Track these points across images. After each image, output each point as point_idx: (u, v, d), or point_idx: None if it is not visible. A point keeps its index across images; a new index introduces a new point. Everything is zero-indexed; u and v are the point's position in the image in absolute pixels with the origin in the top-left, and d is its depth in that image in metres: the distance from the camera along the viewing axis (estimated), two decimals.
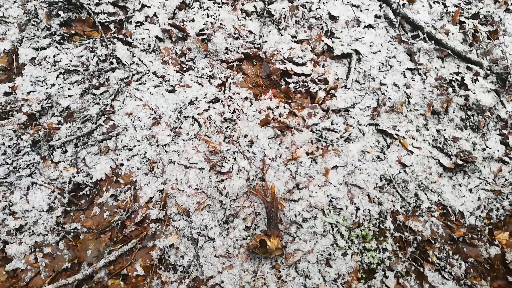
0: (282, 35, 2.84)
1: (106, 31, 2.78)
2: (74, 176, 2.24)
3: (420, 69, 2.75)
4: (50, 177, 2.23)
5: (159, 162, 2.34)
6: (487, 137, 2.52)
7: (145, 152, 2.35)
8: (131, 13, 2.83)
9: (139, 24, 2.81)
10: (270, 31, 2.88)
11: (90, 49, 2.68)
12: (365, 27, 2.93)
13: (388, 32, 2.93)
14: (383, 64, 2.77)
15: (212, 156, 2.37)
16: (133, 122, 2.44)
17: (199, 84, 2.64)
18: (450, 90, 2.64)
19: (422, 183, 2.33)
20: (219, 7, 2.92)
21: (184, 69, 2.71)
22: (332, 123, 2.54)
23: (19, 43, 2.64)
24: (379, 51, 2.83)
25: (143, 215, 2.18)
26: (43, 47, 2.64)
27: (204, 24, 2.83)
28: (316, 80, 2.70)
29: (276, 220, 2.12)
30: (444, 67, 2.76)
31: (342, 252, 2.10)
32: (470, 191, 2.33)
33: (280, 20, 2.90)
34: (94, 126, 2.40)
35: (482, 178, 2.37)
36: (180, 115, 2.48)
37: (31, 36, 2.66)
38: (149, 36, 2.76)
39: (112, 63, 2.65)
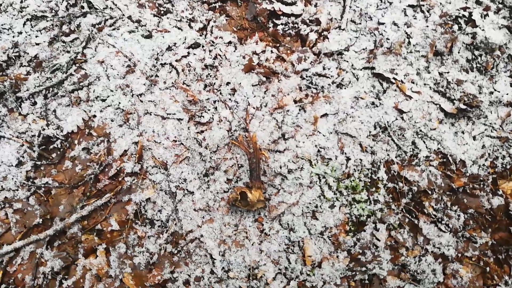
0: None
1: None
2: (44, 129, 2.12)
3: (423, 5, 2.49)
4: (18, 130, 2.11)
5: (134, 113, 2.19)
6: (496, 79, 2.30)
7: (119, 103, 2.21)
8: None
9: None
10: None
11: None
12: None
13: None
14: (381, 1, 2.52)
15: (191, 106, 2.21)
16: (106, 71, 2.28)
17: (178, 28, 2.44)
18: (455, 27, 2.39)
19: (420, 131, 2.15)
20: None
21: (162, 12, 2.51)
22: (323, 68, 2.34)
23: None
24: None
25: (118, 168, 2.07)
26: None
27: None
28: (307, 21, 2.47)
29: (258, 172, 1.98)
30: (450, 2, 2.49)
31: (330, 204, 1.97)
32: (474, 138, 2.14)
33: None
34: (65, 76, 2.25)
35: (488, 124, 2.18)
36: (156, 63, 2.31)
37: None
38: None
39: (83, 7, 2.45)
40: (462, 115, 2.19)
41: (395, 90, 2.27)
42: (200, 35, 2.43)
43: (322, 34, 2.43)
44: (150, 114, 2.19)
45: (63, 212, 1.99)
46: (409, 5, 2.50)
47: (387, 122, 2.17)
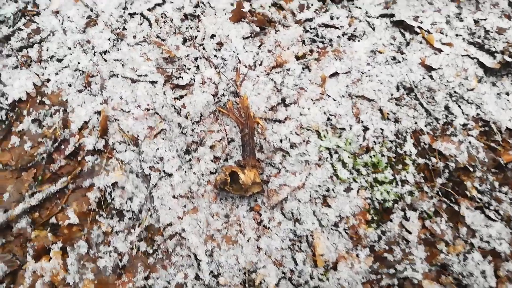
0: None
1: None
2: None
3: None
4: None
5: (97, 75, 1.55)
6: None
7: (78, 63, 1.55)
8: None
9: None
10: None
11: None
12: None
13: None
14: None
15: (167, 65, 1.56)
16: (62, 24, 1.61)
17: None
18: None
19: (454, 92, 1.52)
20: None
21: None
22: (331, 17, 1.67)
23: None
24: None
25: (76, 145, 1.45)
26: None
27: None
28: None
29: (252, 146, 1.36)
30: None
31: (345, 187, 1.37)
32: None
33: None
34: (11, 30, 1.58)
35: None
36: (124, 12, 1.63)
37: None
38: None
39: None
40: (506, 72, 1.55)
41: (421, 42, 1.62)
42: None
43: None
44: (117, 77, 1.55)
45: (8, 202, 1.39)
46: None
47: (413, 81, 1.53)
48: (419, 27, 1.63)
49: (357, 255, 1.26)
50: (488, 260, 1.23)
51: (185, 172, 1.42)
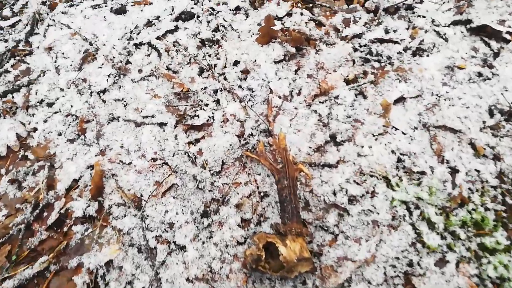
0: None
1: None
2: None
3: None
4: None
5: (93, 120, 1.31)
6: None
7: (71, 106, 1.33)
8: None
9: None
10: None
11: None
12: None
13: None
14: None
15: (179, 102, 1.30)
16: (55, 61, 1.42)
17: None
18: None
19: None
20: None
21: None
22: (386, 31, 1.38)
23: None
24: None
25: (62, 211, 1.17)
26: None
27: None
28: None
29: (295, 203, 1.02)
30: None
31: (437, 259, 0.98)
32: None
33: None
34: None
35: None
36: (128, 43, 1.42)
37: None
38: None
39: None
40: None
41: None
42: (195, 3, 1.53)
43: None
44: (117, 120, 1.29)
45: None
46: None
47: (511, 103, 1.17)
48: (508, 33, 1.28)
49: None
50: None
51: (203, 243, 1.09)
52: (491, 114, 1.18)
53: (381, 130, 1.18)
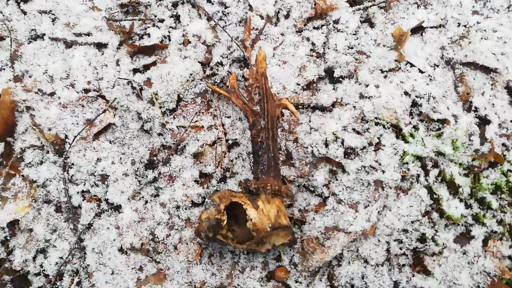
0: None
1: None
2: None
3: None
4: None
5: (8, 36, 1.01)
6: None
7: None
8: None
9: None
10: None
11: None
12: None
13: None
14: None
15: (125, 16, 1.02)
16: None
17: None
18: None
19: None
20: None
21: None
22: None
23: None
24: None
25: None
26: None
27: None
28: None
29: (274, 152, 0.77)
30: None
31: (457, 234, 0.77)
32: None
33: None
34: None
35: None
36: None
37: None
38: None
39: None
40: None
41: None
42: None
43: None
44: (42, 39, 1.01)
45: None
46: None
47: None
48: None
49: None
50: None
51: (146, 202, 0.85)
52: None
53: (392, 66, 0.94)
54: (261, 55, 0.79)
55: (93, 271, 0.81)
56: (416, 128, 0.87)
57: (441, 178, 0.81)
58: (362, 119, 0.89)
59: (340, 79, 0.93)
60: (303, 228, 0.81)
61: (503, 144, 0.86)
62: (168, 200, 0.84)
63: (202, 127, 0.91)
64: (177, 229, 0.82)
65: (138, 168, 0.87)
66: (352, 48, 0.97)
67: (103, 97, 0.94)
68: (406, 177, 0.83)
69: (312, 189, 0.84)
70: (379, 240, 0.78)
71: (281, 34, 1.00)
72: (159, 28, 0.98)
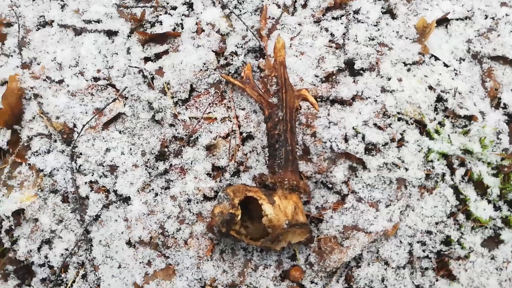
0: None
1: None
2: None
3: None
4: None
5: (16, 23, 0.99)
6: None
7: None
8: None
9: None
10: None
11: None
12: None
13: None
14: None
15: (136, 3, 0.99)
16: None
17: None
18: None
19: None
20: None
21: None
22: None
23: None
24: None
25: None
26: None
27: None
28: None
29: (292, 145, 0.74)
30: None
31: (485, 237, 0.72)
32: None
33: None
34: None
35: None
36: None
37: None
38: None
39: None
40: None
41: None
42: None
43: None
44: (51, 26, 0.98)
45: None
46: None
47: None
48: None
49: None
50: None
51: (156, 195, 0.81)
52: None
53: (416, 58, 0.90)
54: (280, 43, 0.75)
55: (100, 264, 0.78)
56: (441, 124, 0.82)
57: (468, 178, 0.77)
58: (384, 114, 0.85)
59: (361, 71, 0.89)
60: (320, 226, 0.77)
61: None
62: (179, 193, 0.81)
63: (215, 118, 0.87)
64: (187, 224, 0.78)
65: (148, 159, 0.84)
66: (373, 39, 0.93)
67: (113, 86, 0.91)
68: (431, 175, 0.78)
69: (330, 186, 0.80)
70: (401, 242, 0.74)
71: (298, 24, 0.96)
72: (171, 15, 0.95)
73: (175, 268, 0.77)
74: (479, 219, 0.73)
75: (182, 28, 0.94)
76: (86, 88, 0.90)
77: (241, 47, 0.92)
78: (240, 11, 0.96)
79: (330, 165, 0.81)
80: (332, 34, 0.94)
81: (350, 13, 0.95)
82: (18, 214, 0.83)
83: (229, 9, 0.94)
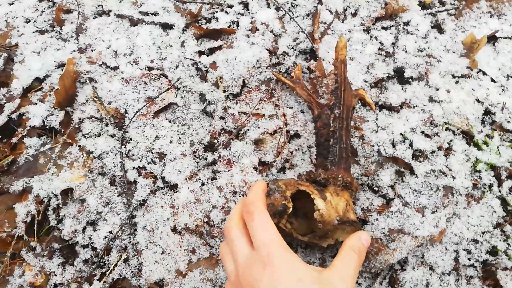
0: None
1: None
2: None
3: None
4: None
5: (75, 10, 1.02)
6: None
7: None
8: None
9: None
10: None
11: None
12: None
13: None
14: None
15: None
16: None
17: None
18: None
19: None
20: None
21: None
22: None
23: None
24: None
25: (14, 115, 0.90)
26: None
27: None
28: None
29: (347, 143, 0.75)
30: None
31: None
32: None
33: None
34: None
35: None
36: None
37: None
38: None
39: None
40: None
41: None
42: None
43: None
44: (108, 15, 1.02)
45: None
46: None
47: None
48: None
49: None
50: None
51: (203, 184, 0.82)
52: None
53: (464, 72, 0.91)
54: (342, 42, 0.77)
55: (143, 249, 0.78)
56: (489, 136, 0.83)
57: None
58: (431, 123, 0.86)
59: (410, 80, 0.90)
60: (365, 228, 0.78)
61: None
62: (225, 184, 0.82)
63: (263, 115, 0.89)
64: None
65: (197, 149, 0.85)
66: (422, 51, 0.95)
67: (165, 76, 0.93)
68: (478, 185, 0.79)
69: (376, 189, 0.80)
70: (446, 248, 0.74)
71: (348, 31, 0.98)
72: (227, 13, 0.98)
73: (218, 258, 0.78)
74: None
75: (238, 25, 0.96)
76: (140, 77, 0.92)
77: (292, 48, 0.95)
78: (293, 13, 0.99)
79: (377, 168, 0.82)
80: (381, 43, 0.96)
81: (400, 24, 0.98)
82: (66, 194, 0.84)
83: (284, 10, 0.96)
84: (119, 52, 0.96)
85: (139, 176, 0.84)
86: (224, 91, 0.90)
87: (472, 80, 0.91)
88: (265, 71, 0.92)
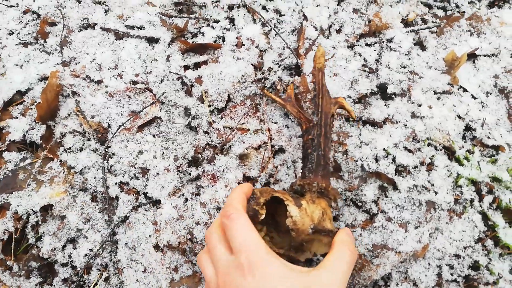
0: None
1: None
2: None
3: None
4: None
5: (60, 23, 1.01)
6: None
7: (34, 0, 1.03)
8: None
9: None
10: None
11: None
12: None
13: None
14: None
15: (179, 14, 1.02)
16: None
17: None
18: None
19: None
20: None
21: None
22: None
23: None
24: None
25: None
26: None
27: None
28: None
29: (325, 150, 0.74)
30: None
31: None
32: None
33: None
34: None
35: None
36: None
37: None
38: None
39: None
40: None
41: None
42: None
43: None
44: (93, 28, 1.01)
45: None
46: None
47: None
48: None
49: None
50: None
51: (186, 200, 0.81)
52: None
53: (445, 89, 0.93)
54: (320, 51, 0.78)
55: (124, 267, 0.77)
56: (470, 152, 0.84)
57: (496, 205, 0.78)
58: (414, 138, 0.87)
59: (393, 96, 0.92)
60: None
61: None
62: (209, 200, 0.81)
63: (248, 130, 0.89)
64: None
65: (180, 164, 0.85)
66: (404, 67, 0.96)
67: (150, 90, 0.92)
68: (459, 200, 0.80)
69: (360, 204, 0.81)
70: (429, 264, 0.75)
71: (333, 47, 0.99)
72: (213, 28, 0.98)
73: (201, 276, 0.76)
74: (508, 246, 0.74)
75: (223, 41, 0.97)
76: (124, 90, 0.92)
77: (277, 63, 0.95)
78: (279, 29, 1.00)
79: (361, 183, 0.82)
80: (365, 59, 0.97)
81: (383, 41, 0.99)
82: (46, 210, 0.82)
83: (270, 26, 0.97)
84: (104, 65, 0.95)
85: (121, 192, 0.83)
86: (209, 105, 0.90)
87: (453, 96, 0.92)
88: (250, 86, 0.92)
